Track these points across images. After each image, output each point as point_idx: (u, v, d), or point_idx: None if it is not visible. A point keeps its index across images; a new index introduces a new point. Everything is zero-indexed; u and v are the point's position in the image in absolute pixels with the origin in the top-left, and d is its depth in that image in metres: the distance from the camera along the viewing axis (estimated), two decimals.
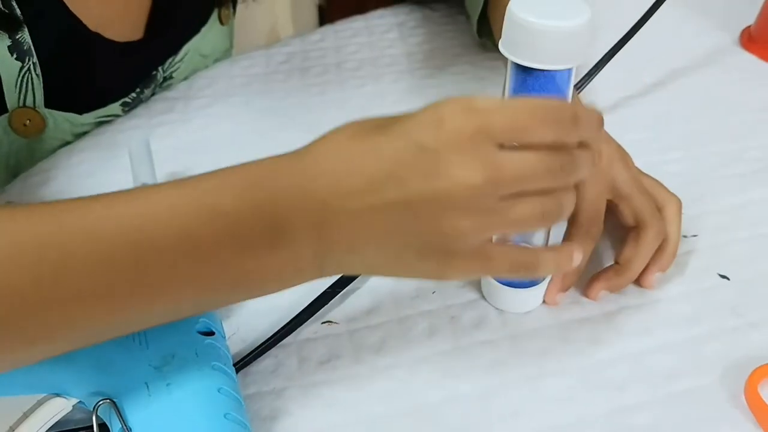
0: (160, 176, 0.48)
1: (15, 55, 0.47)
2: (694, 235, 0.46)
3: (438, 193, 0.28)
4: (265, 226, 0.30)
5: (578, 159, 0.30)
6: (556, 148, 0.30)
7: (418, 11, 0.71)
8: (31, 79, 0.49)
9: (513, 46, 0.32)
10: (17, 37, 0.47)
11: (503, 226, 0.31)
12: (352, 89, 0.61)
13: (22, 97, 0.49)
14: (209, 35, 0.63)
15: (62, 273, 0.27)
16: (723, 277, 0.43)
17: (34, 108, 0.50)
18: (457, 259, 0.31)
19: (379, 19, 0.71)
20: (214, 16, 0.64)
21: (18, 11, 0.46)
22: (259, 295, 0.33)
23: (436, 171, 0.28)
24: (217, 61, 0.66)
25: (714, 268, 0.44)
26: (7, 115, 0.49)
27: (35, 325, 0.28)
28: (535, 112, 0.29)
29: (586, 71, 0.54)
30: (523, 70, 0.32)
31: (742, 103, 0.58)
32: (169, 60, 0.60)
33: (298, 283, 0.32)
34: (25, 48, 0.48)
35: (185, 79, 0.63)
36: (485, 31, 0.61)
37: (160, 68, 0.59)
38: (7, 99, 0.49)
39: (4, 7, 0.45)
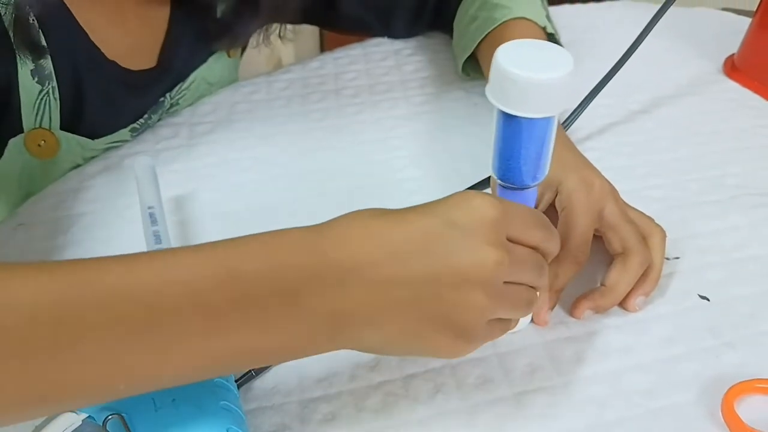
0: (165, 199, 0.51)
1: (36, 79, 0.50)
2: (677, 258, 0.48)
3: (463, 267, 0.31)
4: (281, 295, 0.30)
5: (545, 266, 0.36)
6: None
7: (413, 40, 0.74)
8: (49, 102, 0.51)
9: (499, 95, 0.34)
10: (40, 62, 0.49)
11: (506, 307, 0.34)
12: (350, 116, 0.63)
13: (39, 118, 0.52)
14: (216, 65, 0.66)
15: (78, 336, 0.28)
16: (703, 297, 0.46)
17: (50, 129, 0.53)
18: (472, 333, 0.33)
19: (376, 47, 0.73)
20: None
21: (43, 40, 0.49)
22: (271, 363, 0.34)
23: (466, 247, 0.31)
24: (223, 88, 0.68)
25: (694, 290, 0.46)
26: (22, 135, 0.52)
27: (48, 384, 0.28)
28: (536, 217, 0.35)
29: (573, 107, 0.57)
30: (508, 116, 0.34)
31: (723, 131, 0.61)
32: (177, 87, 0.62)
33: (310, 354, 0.33)
34: (46, 72, 0.50)
35: (190, 105, 0.65)
36: (472, 66, 0.63)
37: (168, 95, 0.62)
38: (24, 120, 0.51)
39: (29, 37, 0.48)
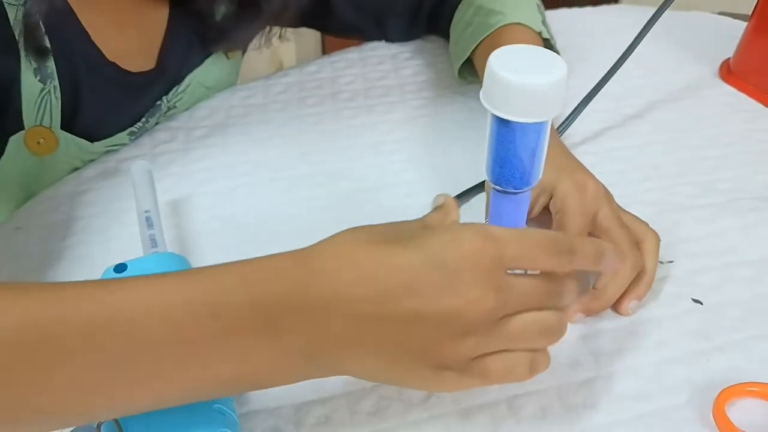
0: (162, 203, 0.51)
1: (38, 78, 0.50)
2: (671, 261, 0.49)
3: (451, 310, 0.30)
4: (260, 328, 0.30)
5: (566, 287, 0.34)
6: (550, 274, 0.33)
7: (410, 44, 0.74)
8: (50, 100, 0.52)
9: (492, 99, 0.34)
10: (42, 60, 0.50)
11: (501, 342, 0.32)
12: (346, 119, 0.64)
13: (39, 116, 0.52)
14: (213, 68, 0.66)
15: (57, 363, 0.28)
16: (696, 301, 0.46)
17: (50, 128, 0.53)
18: (451, 372, 0.31)
19: (374, 51, 0.74)
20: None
21: (47, 42, 0.49)
22: (250, 390, 0.34)
23: (453, 289, 0.30)
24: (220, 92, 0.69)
25: (688, 294, 0.46)
26: (23, 132, 0.52)
27: (24, 407, 0.29)
28: (540, 244, 0.32)
29: (568, 113, 0.57)
30: (501, 121, 0.34)
31: (718, 135, 0.61)
32: (173, 90, 0.63)
33: (292, 382, 0.33)
34: (48, 72, 0.51)
35: (187, 109, 0.66)
36: (469, 70, 0.64)
37: (164, 98, 0.62)
38: (24, 117, 0.51)
39: (36, 39, 0.48)
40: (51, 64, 0.51)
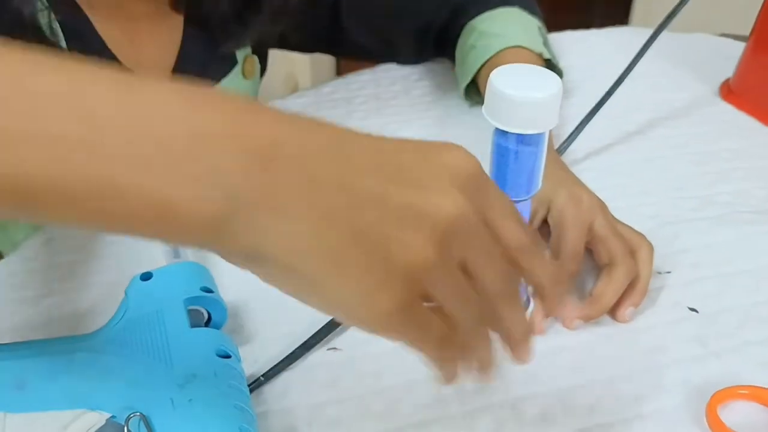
0: None
1: None
2: (668, 272, 0.51)
3: (419, 201, 0.25)
4: (195, 135, 0.23)
5: (535, 269, 0.30)
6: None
7: (421, 66, 0.78)
8: None
9: (494, 112, 0.37)
10: None
11: (448, 283, 0.27)
12: None
13: None
14: (231, 87, 0.69)
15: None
16: (692, 310, 0.48)
17: None
18: (398, 288, 0.25)
19: (386, 73, 0.77)
20: (238, 69, 0.70)
21: (64, 44, 0.52)
22: (137, 228, 0.24)
23: (430, 182, 0.26)
24: None
25: (684, 302, 0.48)
26: None
27: None
28: (513, 207, 0.29)
29: (570, 131, 0.60)
30: (502, 133, 0.38)
31: (717, 151, 0.63)
32: None
33: (187, 233, 0.24)
34: None
35: None
36: (474, 91, 0.66)
37: None
38: None
39: (47, 33, 0.50)
40: None
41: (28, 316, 0.48)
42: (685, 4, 0.58)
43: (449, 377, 0.31)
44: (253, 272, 0.27)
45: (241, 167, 0.23)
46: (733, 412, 0.40)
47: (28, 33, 0.49)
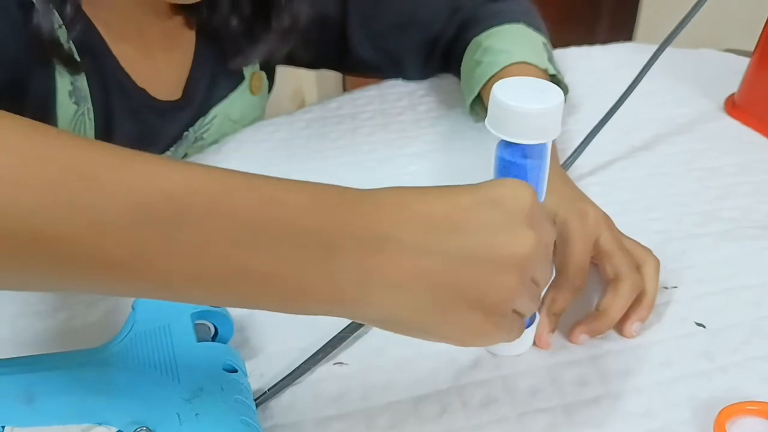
0: None
1: (73, 99, 0.54)
2: (675, 287, 0.51)
3: (501, 247, 0.31)
4: (319, 232, 0.29)
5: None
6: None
7: (427, 81, 0.78)
8: (84, 122, 0.56)
9: (497, 124, 0.38)
10: (77, 83, 0.54)
11: (527, 297, 0.33)
12: (365, 153, 0.67)
13: None
14: (238, 102, 0.70)
15: (178, 229, 0.27)
16: (699, 325, 0.48)
17: None
18: (500, 316, 0.32)
19: (392, 89, 0.77)
20: (245, 85, 0.70)
21: (77, 57, 0.53)
22: (266, 301, 0.30)
23: (504, 227, 0.31)
24: (246, 126, 0.72)
25: (691, 317, 0.48)
26: None
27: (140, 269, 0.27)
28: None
29: (575, 146, 0.60)
30: (506, 143, 0.38)
31: (722, 166, 0.63)
32: (199, 121, 0.67)
33: (316, 310, 0.31)
34: (82, 94, 0.55)
35: (215, 141, 0.70)
36: (479, 106, 0.67)
37: (191, 129, 0.66)
38: None
39: (65, 48, 0.52)
40: (84, 86, 0.54)
41: (41, 329, 0.49)
42: (688, 22, 0.58)
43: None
44: (377, 327, 0.33)
45: (359, 258, 0.29)
46: (741, 428, 0.40)
47: (48, 49, 0.51)
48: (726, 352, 0.45)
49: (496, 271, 0.31)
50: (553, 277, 0.46)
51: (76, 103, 0.55)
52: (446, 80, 0.78)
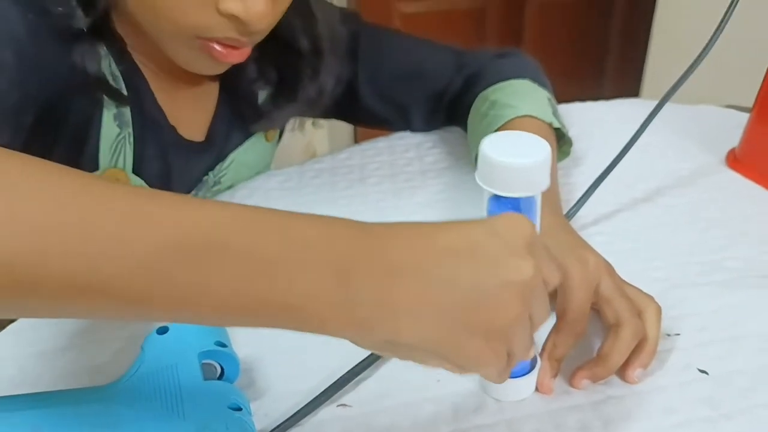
0: None
1: (117, 123, 0.57)
2: (677, 334, 0.51)
3: (506, 275, 0.32)
4: (337, 262, 0.31)
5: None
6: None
7: (434, 134, 0.80)
8: (125, 145, 0.59)
9: (486, 178, 0.39)
10: (122, 107, 0.57)
11: (527, 326, 0.35)
12: (373, 203, 0.69)
13: (114, 159, 0.59)
14: (253, 148, 0.72)
15: (212, 268, 0.29)
16: (702, 371, 0.48)
17: (123, 170, 0.59)
18: (502, 342, 0.33)
19: (400, 140, 0.80)
20: (261, 132, 0.73)
21: (125, 91, 0.57)
22: (285, 326, 0.32)
23: (507, 255, 0.33)
24: (259, 173, 0.75)
25: (694, 364, 0.48)
26: (98, 172, 0.58)
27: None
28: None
29: (577, 198, 0.61)
30: (495, 197, 0.39)
31: (725, 218, 0.64)
32: (218, 166, 0.69)
33: (334, 332, 0.32)
34: (125, 119, 0.58)
35: (230, 187, 0.72)
36: None
37: (210, 173, 0.69)
38: (101, 158, 0.58)
39: (111, 83, 0.56)
40: (127, 113, 0.58)
41: (48, 369, 0.50)
42: (687, 78, 0.60)
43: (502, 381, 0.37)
44: (384, 353, 0.35)
45: (374, 286, 0.31)
46: None
47: (94, 86, 0.54)
48: (730, 399, 0.45)
49: (499, 297, 0.32)
50: (554, 323, 0.47)
51: (119, 126, 0.58)
52: (453, 133, 0.80)
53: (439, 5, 2.04)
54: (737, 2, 0.58)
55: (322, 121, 0.79)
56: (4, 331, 0.53)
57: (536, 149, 0.38)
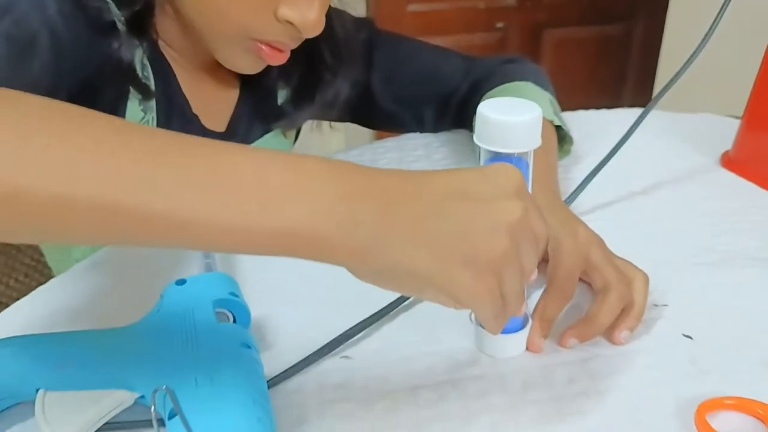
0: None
1: (141, 107, 0.61)
2: (665, 305, 0.54)
3: (497, 212, 0.35)
4: (335, 188, 0.33)
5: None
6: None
7: (443, 134, 0.84)
8: None
9: (481, 136, 0.43)
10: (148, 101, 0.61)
11: (518, 265, 0.37)
12: None
13: None
14: (271, 143, 0.77)
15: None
16: (687, 336, 0.50)
17: None
18: (492, 274, 0.35)
19: (409, 140, 0.84)
20: (279, 129, 0.77)
21: (153, 85, 0.61)
22: (279, 249, 0.34)
23: (498, 195, 0.36)
24: None
25: (680, 330, 0.51)
26: None
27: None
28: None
29: (574, 187, 0.65)
30: (491, 157, 0.43)
31: (718, 209, 0.67)
32: None
33: (342, 262, 0.34)
34: (149, 104, 0.62)
35: None
36: None
37: None
38: None
39: (140, 76, 0.60)
40: (152, 102, 0.62)
41: (74, 318, 0.53)
42: (675, 82, 0.63)
43: (498, 328, 0.40)
44: (383, 285, 0.37)
45: (372, 215, 0.34)
46: (720, 421, 0.42)
47: (125, 77, 0.58)
48: (710, 358, 0.48)
49: (488, 232, 0.35)
50: (544, 287, 0.50)
51: (143, 111, 0.62)
52: (460, 135, 0.84)
53: (458, 42, 2.11)
54: (716, 27, 0.62)
55: (340, 125, 0.83)
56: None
57: (528, 110, 0.42)
